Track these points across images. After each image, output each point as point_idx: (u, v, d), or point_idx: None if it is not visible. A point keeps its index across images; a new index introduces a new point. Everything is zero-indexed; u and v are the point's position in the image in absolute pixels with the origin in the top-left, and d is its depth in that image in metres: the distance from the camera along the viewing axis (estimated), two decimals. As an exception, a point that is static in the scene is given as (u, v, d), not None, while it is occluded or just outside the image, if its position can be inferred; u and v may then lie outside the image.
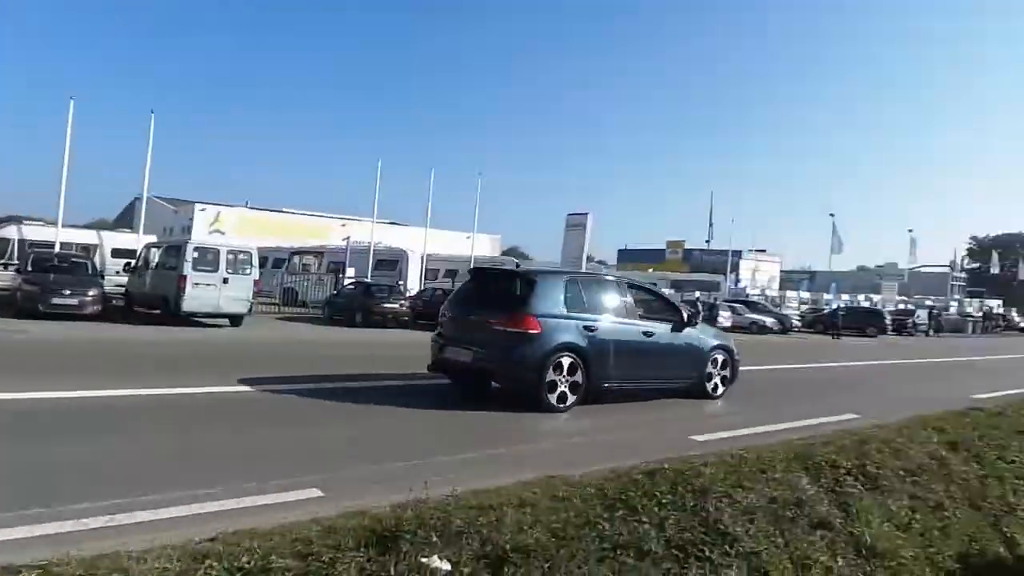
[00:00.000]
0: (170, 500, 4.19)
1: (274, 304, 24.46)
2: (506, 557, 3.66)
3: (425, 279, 31.34)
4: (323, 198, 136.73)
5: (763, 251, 62.04)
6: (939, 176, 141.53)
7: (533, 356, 7.88)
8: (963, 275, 76.54)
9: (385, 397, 9.04)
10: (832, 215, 47.09)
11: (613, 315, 8.74)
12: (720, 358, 9.94)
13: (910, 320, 39.61)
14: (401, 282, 28.17)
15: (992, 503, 5.88)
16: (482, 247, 45.07)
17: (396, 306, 22.07)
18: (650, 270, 52.00)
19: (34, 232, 23.34)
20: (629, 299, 9.10)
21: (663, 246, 68.39)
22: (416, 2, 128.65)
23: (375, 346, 16.45)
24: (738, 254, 55.79)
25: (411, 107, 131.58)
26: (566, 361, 8.01)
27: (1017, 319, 54.05)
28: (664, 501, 4.52)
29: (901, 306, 44.27)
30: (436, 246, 35.77)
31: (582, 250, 31.39)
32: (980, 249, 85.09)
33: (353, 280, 25.48)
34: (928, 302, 49.69)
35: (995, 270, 75.95)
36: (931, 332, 39.76)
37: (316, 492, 4.60)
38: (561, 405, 7.98)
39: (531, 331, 7.93)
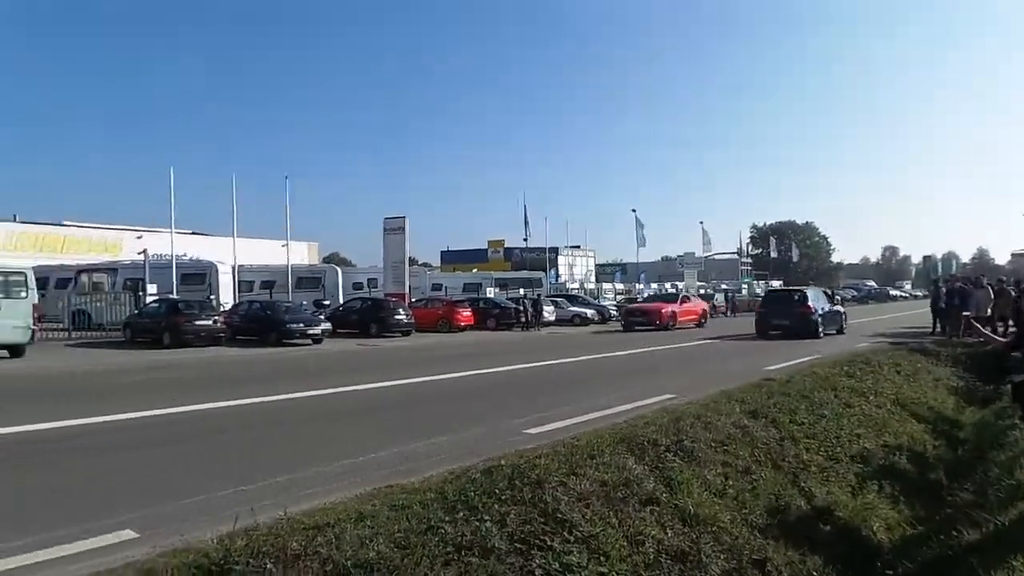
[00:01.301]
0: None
1: (63, 329, 21.72)
2: (348, 575, 3.50)
3: (240, 292, 29.45)
4: (111, 209, 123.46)
5: (577, 247, 65.36)
6: (725, 171, 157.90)
7: (813, 321, 22.20)
8: (748, 260, 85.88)
9: (195, 423, 8.39)
10: (634, 210, 50.43)
11: (829, 304, 25.09)
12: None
13: (710, 303, 43.70)
14: (212, 297, 26.22)
15: (790, 462, 6.58)
16: (299, 255, 43.22)
17: (209, 323, 20.50)
18: (474, 270, 52.87)
19: None
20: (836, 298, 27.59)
21: (484, 246, 69.73)
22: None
23: (185, 367, 15.17)
24: (555, 251, 58.34)
25: (203, 109, 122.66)
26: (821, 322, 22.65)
27: (795, 297, 61.36)
28: (503, 497, 4.56)
29: (703, 291, 48.68)
30: (249, 256, 33.68)
31: (404, 253, 31.19)
32: (760, 236, 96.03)
33: (156, 298, 23.29)
34: (724, 286, 55.08)
35: (774, 254, 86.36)
36: (729, 313, 44.11)
37: (130, 533, 4.15)
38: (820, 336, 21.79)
39: (811, 314, 22.30)
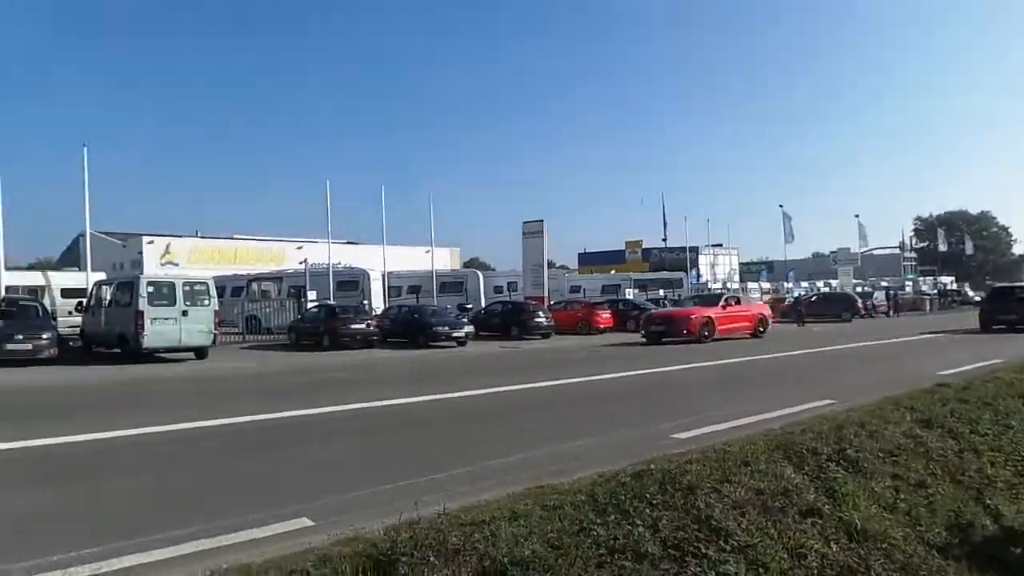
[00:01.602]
0: (157, 542, 4.07)
1: (238, 333, 23.99)
2: (505, 571, 3.61)
3: (388, 297, 31.14)
4: (274, 222, 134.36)
5: (719, 245, 63.11)
6: (878, 162, 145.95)
7: None
8: (913, 255, 78.95)
9: (356, 421, 8.96)
10: (781, 206, 47.93)
11: None
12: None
13: (869, 302, 40.64)
14: (365, 301, 27.91)
15: (972, 477, 6.00)
16: (442, 260, 44.94)
17: (363, 326, 21.84)
18: (612, 271, 52.44)
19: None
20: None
21: (622, 247, 68.99)
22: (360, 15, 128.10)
23: (350, 369, 16.23)
24: (695, 250, 56.64)
25: (358, 127, 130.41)
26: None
27: (971, 294, 55.81)
28: (655, 502, 4.51)
29: (859, 289, 45.34)
30: (396, 263, 35.54)
31: (542, 256, 31.56)
32: (926, 228, 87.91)
33: (316, 303, 25.16)
34: (884, 283, 51.06)
35: (943, 247, 78.57)
36: (891, 313, 40.81)
37: (306, 521, 4.50)
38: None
39: None
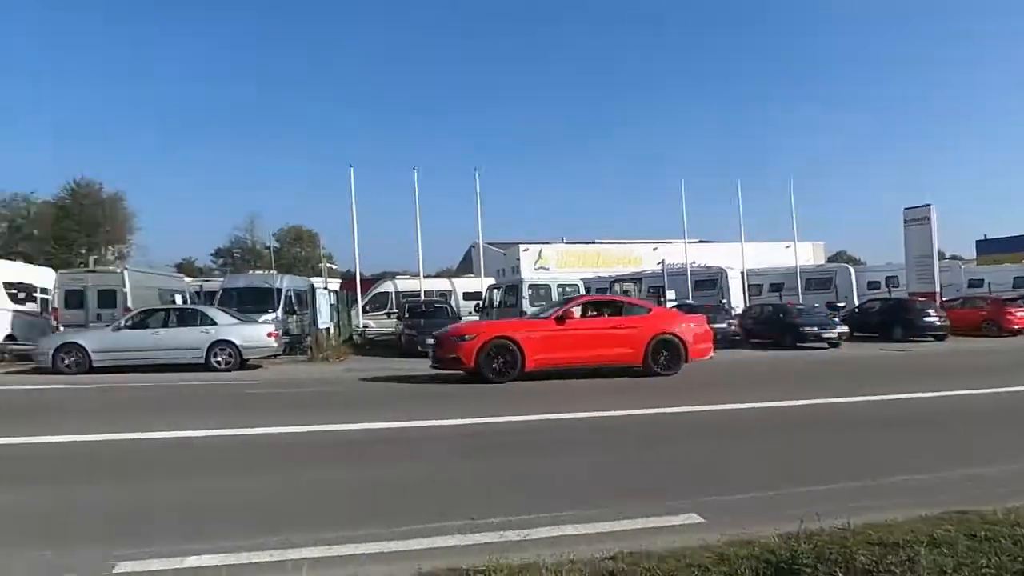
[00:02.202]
0: (572, 518, 4.56)
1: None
2: (928, 603, 3.25)
3: (748, 296, 30.13)
4: (630, 225, 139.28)
5: None
6: None
7: None
8: None
9: (753, 421, 8.86)
10: None
11: None
12: None
13: None
14: (724, 300, 27.44)
15: None
16: (804, 255, 41.84)
17: (723, 325, 21.49)
18: (1025, 260, 42.92)
19: (404, 284, 27.84)
20: None
21: (1029, 232, 55.90)
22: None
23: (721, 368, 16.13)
24: None
25: (710, 121, 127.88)
26: None
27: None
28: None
29: None
30: (754, 260, 34.17)
31: (931, 246, 27.28)
32: None
33: (675, 302, 25.52)
34: None
35: None
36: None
37: (696, 518, 4.62)
38: None
39: None
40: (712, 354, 14.68)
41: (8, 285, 20.01)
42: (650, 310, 14.69)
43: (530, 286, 19.39)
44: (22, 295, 20.43)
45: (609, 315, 13.97)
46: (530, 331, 13.06)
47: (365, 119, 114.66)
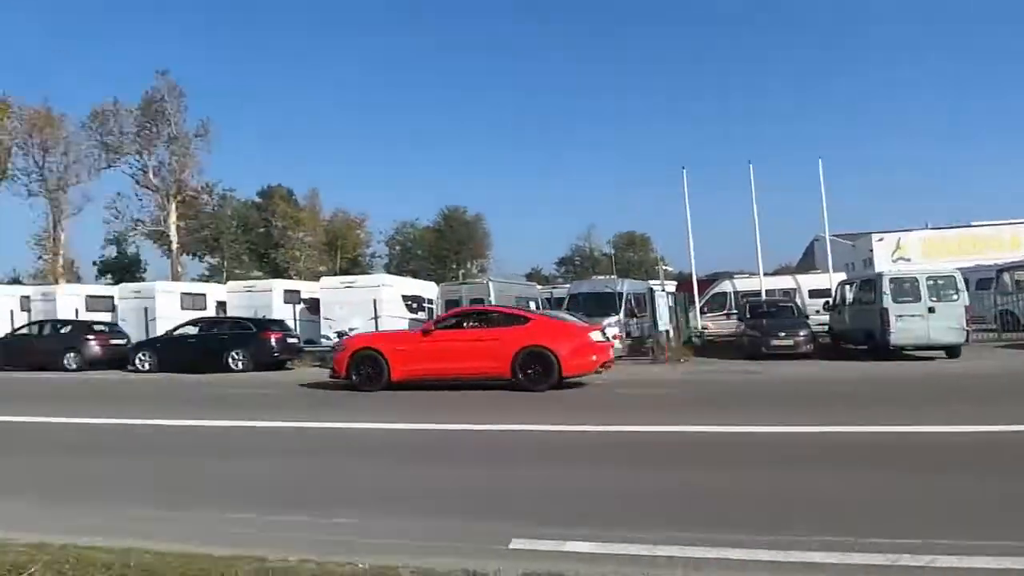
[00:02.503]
0: (965, 548, 4.07)
1: (991, 330, 21.61)
2: None
3: None
4: (1016, 202, 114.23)
5: None
6: None
7: None
8: None
9: None
10: None
11: None
12: None
13: None
14: None
15: None
16: None
17: None
18: None
19: (742, 284, 26.95)
20: None
21: None
22: None
23: None
24: None
25: None
26: None
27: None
28: None
29: None
30: None
31: None
32: None
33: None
34: None
35: None
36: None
37: None
38: None
39: None
40: (600, 369, 13.36)
41: (405, 298, 24.31)
42: (528, 320, 13.88)
43: (892, 280, 17.16)
44: (415, 305, 24.62)
45: (480, 327, 13.86)
46: (396, 344, 13.60)
47: (699, 115, 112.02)
